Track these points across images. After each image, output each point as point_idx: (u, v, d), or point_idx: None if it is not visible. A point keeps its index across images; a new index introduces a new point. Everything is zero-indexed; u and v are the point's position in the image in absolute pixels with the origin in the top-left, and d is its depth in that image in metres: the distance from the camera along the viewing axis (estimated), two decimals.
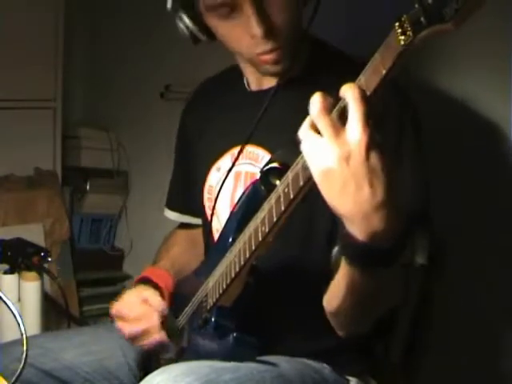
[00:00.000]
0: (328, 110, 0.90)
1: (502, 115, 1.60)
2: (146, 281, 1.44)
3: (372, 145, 0.88)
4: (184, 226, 1.63)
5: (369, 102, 0.88)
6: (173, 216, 1.63)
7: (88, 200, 2.86)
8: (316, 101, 0.91)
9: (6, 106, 2.61)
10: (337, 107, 0.91)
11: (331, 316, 1.18)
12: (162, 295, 1.39)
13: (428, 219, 1.30)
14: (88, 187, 2.84)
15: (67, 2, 2.74)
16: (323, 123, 0.90)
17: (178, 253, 1.57)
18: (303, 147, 0.92)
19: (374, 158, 0.88)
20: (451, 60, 1.66)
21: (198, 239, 1.54)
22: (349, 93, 0.88)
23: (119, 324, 1.38)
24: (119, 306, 1.39)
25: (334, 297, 1.12)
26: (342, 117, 0.90)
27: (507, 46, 1.53)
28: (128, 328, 1.37)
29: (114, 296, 1.42)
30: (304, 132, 0.92)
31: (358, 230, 0.92)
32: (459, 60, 1.66)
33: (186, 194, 1.57)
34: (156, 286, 1.42)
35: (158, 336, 1.34)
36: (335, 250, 1.16)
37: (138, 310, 1.36)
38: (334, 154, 0.88)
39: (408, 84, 1.28)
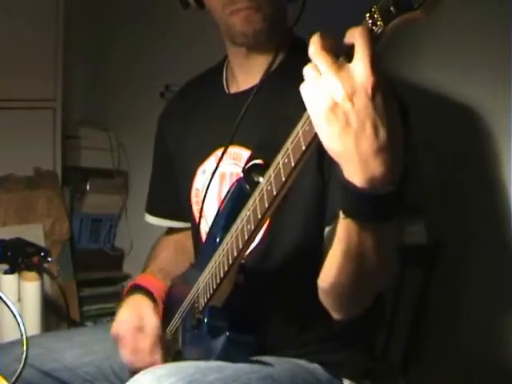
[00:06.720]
0: (328, 48, 0.86)
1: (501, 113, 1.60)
2: (140, 288, 1.44)
3: (378, 85, 0.84)
4: (171, 230, 1.62)
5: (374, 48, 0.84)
6: (153, 220, 1.62)
7: (88, 200, 2.86)
8: (315, 40, 0.87)
9: (6, 106, 2.61)
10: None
11: (326, 295, 1.12)
12: (155, 304, 1.40)
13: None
14: (88, 187, 2.84)
15: (67, 2, 2.74)
16: (323, 60, 0.85)
17: (166, 258, 1.55)
18: (303, 92, 0.88)
19: (379, 99, 0.84)
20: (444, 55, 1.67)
21: (186, 244, 1.54)
22: (357, 32, 0.84)
23: (119, 349, 1.38)
24: (117, 329, 1.38)
25: (329, 269, 1.06)
26: (346, 58, 0.86)
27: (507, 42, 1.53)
28: (127, 357, 1.37)
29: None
30: (305, 74, 0.88)
31: (356, 174, 0.87)
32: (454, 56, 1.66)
33: (167, 199, 1.57)
34: (150, 295, 1.42)
35: (153, 360, 1.35)
36: (327, 229, 1.17)
37: (134, 340, 1.36)
38: (338, 89, 0.84)
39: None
